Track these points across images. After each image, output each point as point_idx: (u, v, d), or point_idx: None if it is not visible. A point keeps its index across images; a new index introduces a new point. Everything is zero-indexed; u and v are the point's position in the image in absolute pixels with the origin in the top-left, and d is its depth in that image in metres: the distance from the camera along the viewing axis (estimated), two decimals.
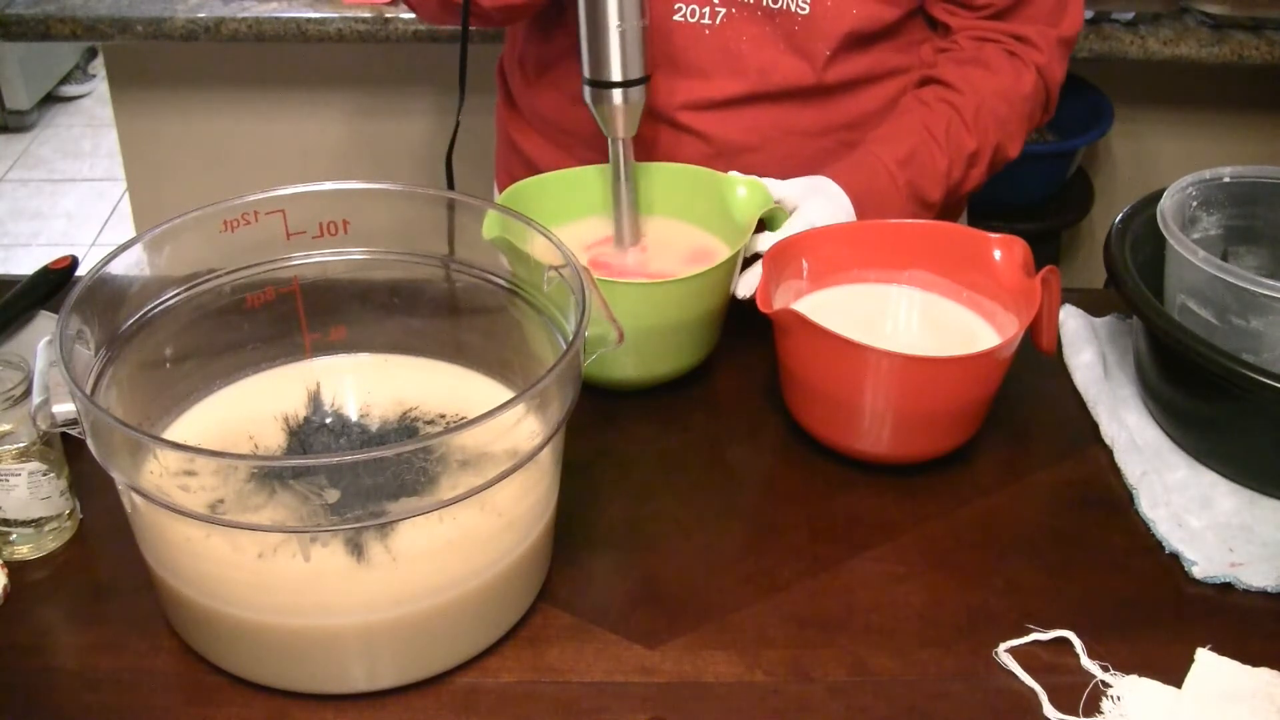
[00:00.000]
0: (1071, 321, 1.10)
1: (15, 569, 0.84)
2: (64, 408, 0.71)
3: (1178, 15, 2.00)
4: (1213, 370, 0.88)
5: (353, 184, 0.88)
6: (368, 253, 0.90)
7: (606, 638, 0.81)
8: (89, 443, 0.70)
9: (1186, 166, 1.03)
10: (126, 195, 2.41)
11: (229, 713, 0.76)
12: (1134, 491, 0.93)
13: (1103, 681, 0.78)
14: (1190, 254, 0.93)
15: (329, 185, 0.88)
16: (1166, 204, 0.98)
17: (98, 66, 3.95)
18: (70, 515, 0.87)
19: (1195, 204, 1.02)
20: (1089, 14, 1.93)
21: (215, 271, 0.87)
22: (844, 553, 0.88)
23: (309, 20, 1.91)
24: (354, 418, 0.88)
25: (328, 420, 0.87)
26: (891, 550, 0.88)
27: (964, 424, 0.94)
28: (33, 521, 0.85)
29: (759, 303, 0.91)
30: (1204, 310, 0.95)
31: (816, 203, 1.07)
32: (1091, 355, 1.06)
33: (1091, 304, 1.14)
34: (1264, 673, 0.79)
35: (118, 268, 0.81)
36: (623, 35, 0.99)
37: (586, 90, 1.03)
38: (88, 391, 0.72)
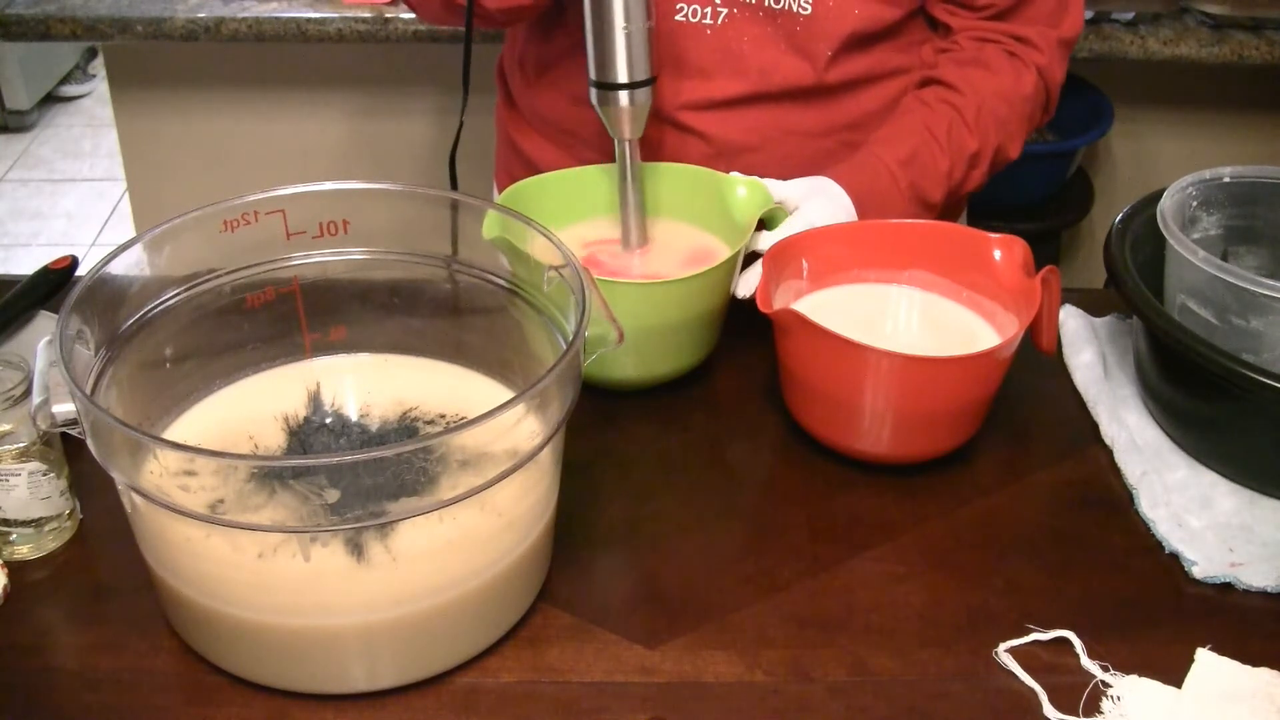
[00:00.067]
0: (1071, 321, 1.10)
1: (15, 569, 0.84)
2: (64, 408, 0.71)
3: (1178, 15, 2.00)
4: (1213, 370, 0.88)
5: (353, 184, 0.88)
6: (368, 253, 0.90)
7: (606, 638, 0.81)
8: (89, 443, 0.70)
9: (1186, 166, 1.03)
10: (126, 195, 2.41)
11: (229, 713, 0.76)
12: (1134, 491, 0.93)
13: (1103, 681, 0.78)
14: (1190, 254, 0.93)
15: (329, 185, 0.88)
16: (1166, 204, 0.98)
17: (98, 66, 3.95)
18: (70, 515, 0.87)
19: (1195, 204, 1.02)
20: (1089, 14, 1.93)
21: (215, 271, 0.87)
22: (844, 553, 0.88)
23: (309, 20, 1.91)
24: (354, 418, 0.88)
25: (328, 420, 0.87)
26: (891, 550, 0.88)
27: (964, 424, 0.94)
28: (33, 521, 0.85)
29: (759, 303, 0.91)
30: (1204, 310, 0.95)
31: (817, 203, 1.07)
32: (1091, 355, 1.06)
33: (1091, 304, 1.14)
34: (1264, 673, 0.79)
35: (118, 268, 0.81)
36: (629, 37, 0.99)
37: (593, 92, 1.03)
38: (88, 391, 0.72)
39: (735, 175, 1.07)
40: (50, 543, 0.86)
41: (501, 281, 0.89)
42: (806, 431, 0.97)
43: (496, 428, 0.71)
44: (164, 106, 2.18)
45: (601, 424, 1.00)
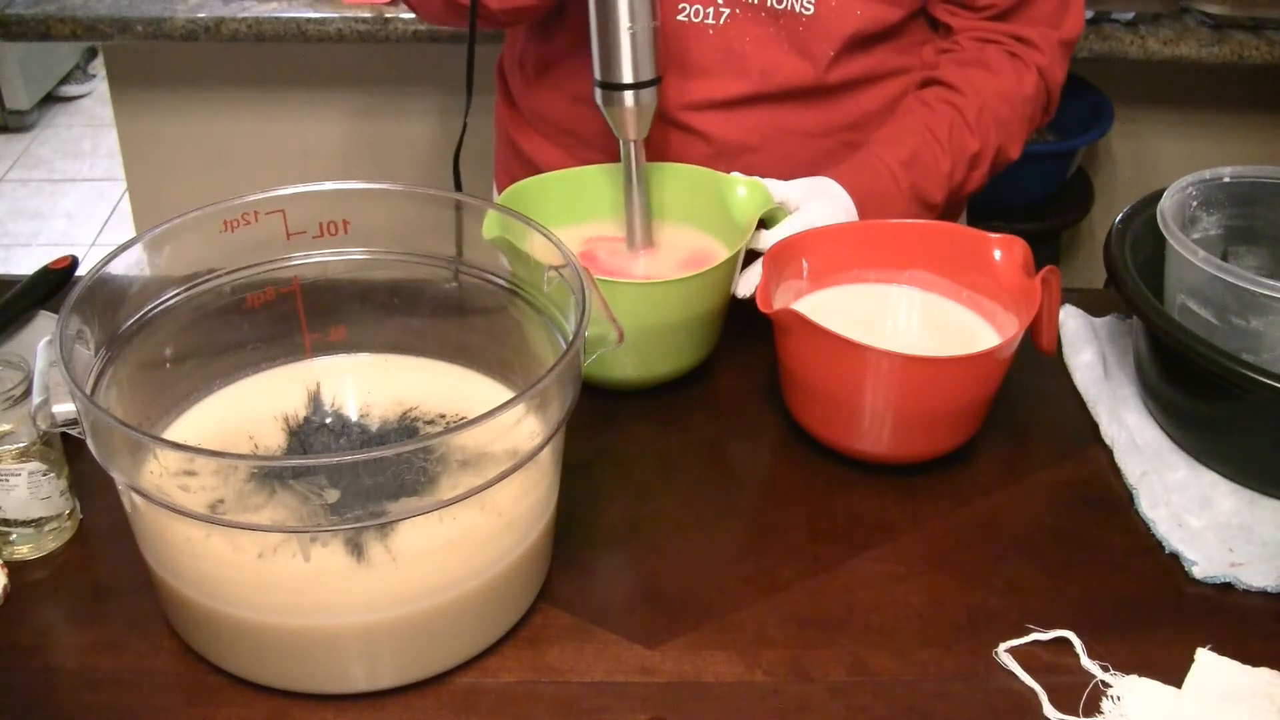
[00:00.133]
0: (1071, 321, 1.10)
1: (15, 569, 0.84)
2: (64, 408, 0.71)
3: (1178, 15, 2.00)
4: (1213, 370, 0.88)
5: (353, 184, 0.88)
6: (368, 253, 0.90)
7: (606, 638, 0.81)
8: (89, 443, 0.70)
9: (1186, 166, 1.03)
10: (126, 195, 2.41)
11: (229, 713, 0.76)
12: (1134, 491, 0.93)
13: (1103, 681, 0.78)
14: (1190, 254, 0.93)
15: (329, 185, 0.88)
16: (1166, 204, 0.98)
17: (98, 66, 3.95)
18: (70, 515, 0.87)
19: (1195, 204, 1.02)
20: (1089, 14, 1.93)
21: (215, 271, 0.87)
22: (844, 553, 0.88)
23: (309, 20, 1.91)
24: (354, 418, 0.88)
25: (328, 420, 0.87)
26: (891, 550, 0.88)
27: (964, 424, 0.94)
28: (33, 521, 0.85)
29: (759, 303, 0.91)
30: (1204, 310, 0.95)
31: (818, 204, 1.07)
32: (1091, 355, 1.06)
33: (1091, 304, 1.14)
34: (1264, 673, 0.79)
35: (118, 268, 0.81)
36: (634, 37, 0.99)
37: (597, 92, 1.02)
38: (88, 391, 0.72)
39: (736, 175, 1.07)
40: (50, 543, 0.86)
41: (501, 281, 0.89)
42: (806, 431, 0.97)
43: (496, 428, 0.71)
44: (164, 106, 2.18)
45: (601, 424, 0.99)
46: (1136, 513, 0.92)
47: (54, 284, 1.07)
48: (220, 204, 0.85)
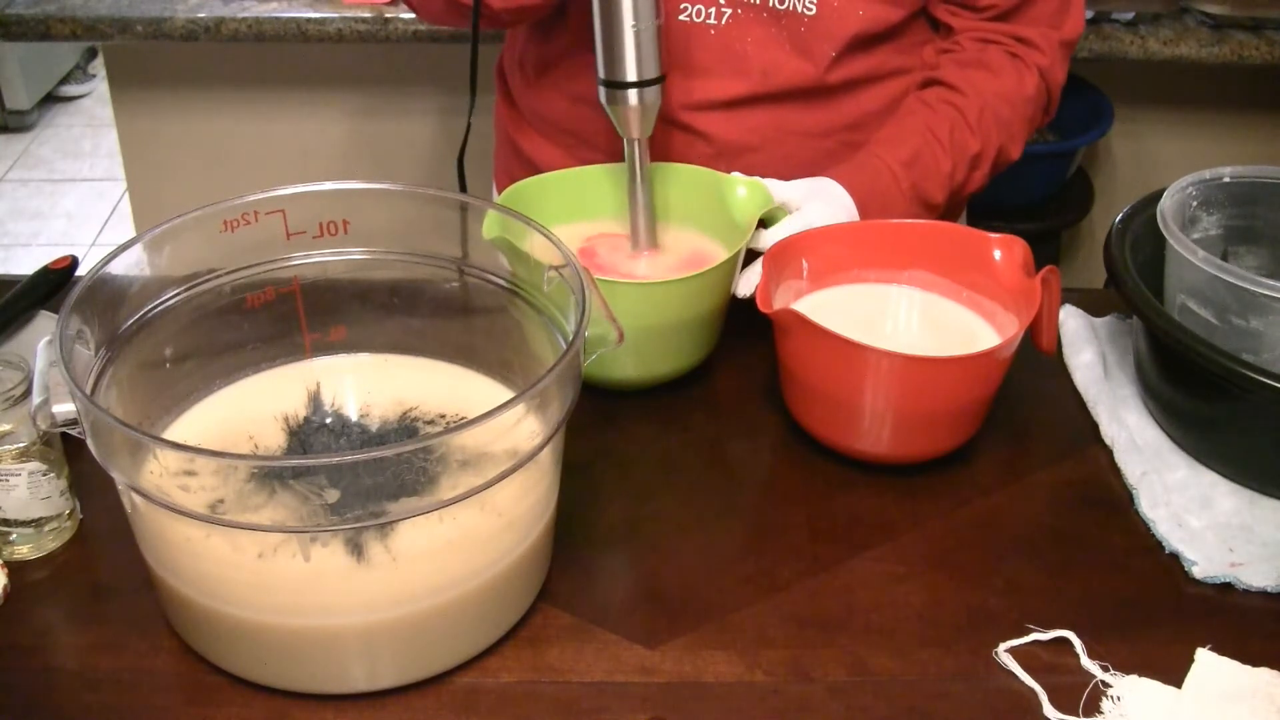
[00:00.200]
0: (1071, 321, 1.10)
1: (15, 569, 0.84)
2: (64, 408, 0.71)
3: (1178, 15, 2.00)
4: (1213, 370, 0.88)
5: (353, 184, 0.88)
6: (368, 253, 0.90)
7: (606, 638, 0.81)
8: (89, 443, 0.70)
9: (1186, 166, 1.03)
10: (126, 195, 2.41)
11: (229, 713, 0.76)
12: (1134, 491, 0.93)
13: (1103, 681, 0.78)
14: (1190, 254, 0.93)
15: (329, 185, 0.88)
16: (1166, 204, 0.98)
17: (98, 66, 3.95)
18: (70, 515, 0.87)
19: (1195, 204, 1.02)
20: (1089, 14, 1.93)
21: (215, 271, 0.87)
22: (844, 553, 0.88)
23: (309, 20, 1.91)
24: (354, 418, 0.88)
25: (328, 420, 0.87)
26: (891, 550, 0.88)
27: (964, 424, 0.94)
28: (33, 521, 0.85)
29: (759, 303, 0.91)
30: (1204, 310, 0.95)
31: (819, 205, 1.07)
32: (1091, 355, 1.06)
33: (1091, 304, 1.14)
34: (1264, 673, 0.79)
35: (118, 268, 0.81)
36: (638, 35, 0.99)
37: (601, 91, 1.02)
38: (88, 391, 0.72)
39: (736, 175, 1.07)
40: (50, 543, 0.86)
41: (502, 281, 0.89)
42: (806, 431, 0.97)
43: (496, 428, 0.71)
44: (164, 106, 2.18)
45: (601, 424, 0.99)
46: (1136, 513, 0.92)
47: (54, 284, 1.07)
48: (220, 204, 0.85)
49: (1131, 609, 0.84)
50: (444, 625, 0.76)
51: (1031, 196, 2.19)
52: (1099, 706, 0.77)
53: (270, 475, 0.76)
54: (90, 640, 0.80)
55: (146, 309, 0.84)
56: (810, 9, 1.10)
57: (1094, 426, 1.00)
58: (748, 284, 1.01)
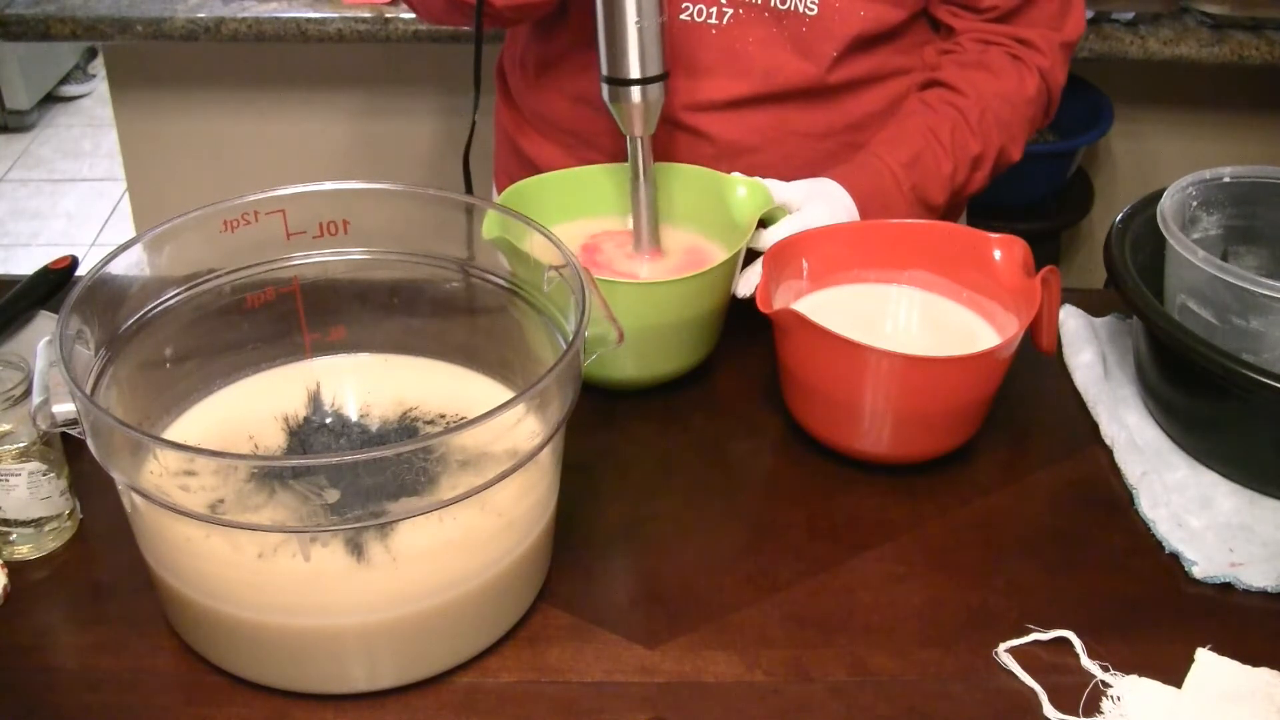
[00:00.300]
0: (1071, 321, 1.10)
1: (15, 569, 0.84)
2: (64, 408, 0.71)
3: (1178, 15, 2.00)
4: (1213, 370, 0.88)
5: (353, 184, 0.88)
6: (368, 253, 0.90)
7: (606, 638, 0.81)
8: (89, 443, 0.70)
9: (1186, 166, 1.03)
10: (126, 195, 2.41)
11: (229, 713, 0.76)
12: (1134, 491, 0.93)
13: (1103, 681, 0.78)
14: (1190, 254, 0.93)
15: (329, 185, 0.88)
16: (1166, 204, 0.98)
17: (98, 66, 3.95)
18: (70, 515, 0.87)
19: (1195, 204, 1.02)
20: (1089, 14, 1.93)
21: (215, 271, 0.87)
22: (844, 553, 0.88)
23: (309, 20, 1.91)
24: (354, 418, 0.88)
25: (328, 420, 0.87)
26: (891, 550, 0.88)
27: (964, 424, 0.94)
28: (33, 521, 0.85)
29: (759, 303, 0.91)
30: (1204, 310, 0.95)
31: (819, 205, 1.07)
32: (1091, 355, 1.06)
33: (1091, 304, 1.14)
34: (1264, 673, 0.79)
35: (118, 268, 0.81)
36: (641, 32, 0.98)
37: (604, 88, 1.01)
38: (88, 391, 0.72)
39: (736, 175, 1.07)
40: (50, 543, 0.86)
41: (502, 281, 0.89)
42: (806, 431, 0.97)
43: (496, 428, 0.71)
44: (164, 106, 2.18)
45: (601, 424, 1.00)
46: (1136, 513, 0.92)
47: (54, 284, 1.07)
48: (220, 204, 0.85)
49: (1131, 609, 0.84)
50: (444, 625, 0.76)
51: (1031, 196, 2.19)
52: (1099, 706, 0.77)
53: (270, 475, 0.76)
54: (90, 640, 0.80)
55: (146, 309, 0.84)
56: (812, 9, 1.10)
57: (1094, 426, 1.00)
58: (748, 284, 1.01)
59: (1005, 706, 0.77)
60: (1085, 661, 0.79)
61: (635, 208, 1.04)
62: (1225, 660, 0.79)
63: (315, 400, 0.88)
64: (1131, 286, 0.94)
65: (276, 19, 1.91)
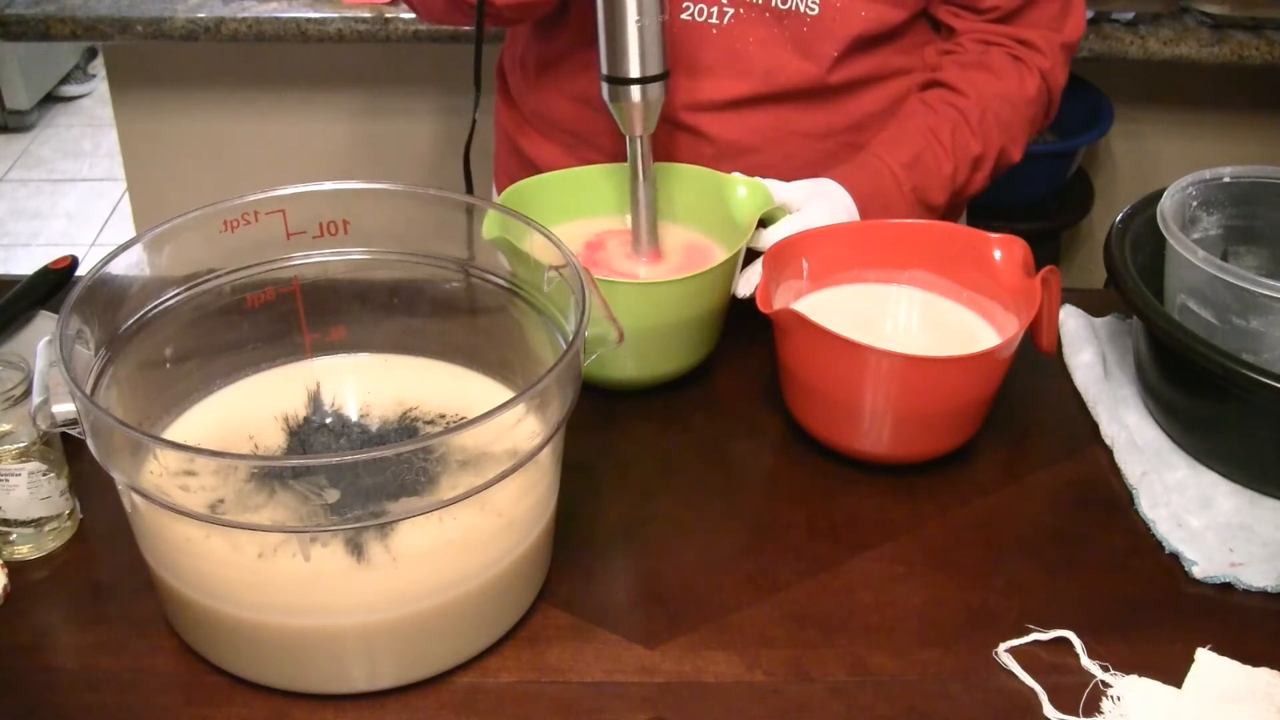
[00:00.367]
0: (1071, 321, 1.10)
1: (15, 569, 0.84)
2: (64, 408, 0.71)
3: (1178, 15, 2.00)
4: (1213, 370, 0.88)
5: (353, 184, 0.88)
6: (368, 253, 0.90)
7: (606, 638, 0.81)
8: (89, 443, 0.70)
9: (1186, 166, 1.03)
10: (126, 195, 2.41)
11: (229, 713, 0.76)
12: (1134, 491, 0.93)
13: (1103, 681, 0.78)
14: (1190, 254, 0.93)
15: (329, 185, 0.88)
16: (1166, 204, 0.98)
17: (98, 66, 3.95)
18: (70, 515, 0.87)
19: (1195, 204, 1.02)
20: (1089, 15, 1.93)
21: (215, 271, 0.87)
22: (844, 553, 0.88)
23: (309, 20, 1.91)
24: (354, 418, 0.88)
25: (328, 420, 0.87)
26: (891, 550, 0.88)
27: (964, 424, 0.94)
28: (33, 521, 0.85)
29: (759, 303, 0.91)
30: (1204, 310, 0.95)
31: (819, 206, 1.07)
32: (1091, 355, 1.06)
33: (1091, 304, 1.14)
34: (1264, 673, 0.79)
35: (118, 268, 0.81)
36: (641, 31, 0.98)
37: (604, 87, 1.01)
38: (88, 391, 0.72)
39: (736, 175, 1.07)
40: (50, 543, 0.86)
41: (502, 281, 0.89)
42: (806, 431, 0.97)
43: (496, 428, 0.71)
44: (164, 106, 2.18)
45: (601, 424, 1.00)
46: (1136, 513, 0.92)
47: (54, 284, 1.07)
48: (220, 204, 0.85)
49: (1131, 609, 0.84)
50: (444, 625, 0.76)
51: (1031, 196, 2.19)
52: (1099, 706, 0.77)
53: (270, 475, 0.76)
54: (90, 640, 0.80)
55: (146, 309, 0.84)
56: (813, 9, 1.10)
57: (1094, 426, 1.00)
58: (748, 284, 1.01)
59: (1005, 706, 0.77)
60: (1085, 661, 0.79)
61: (634, 208, 1.04)
62: (1225, 660, 0.79)
63: (315, 400, 0.88)
64: (1131, 286, 0.95)
65: (276, 19, 1.91)
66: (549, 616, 0.82)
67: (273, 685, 0.76)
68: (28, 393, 0.81)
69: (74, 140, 3.78)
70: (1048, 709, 0.76)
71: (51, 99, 3.93)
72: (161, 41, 1.94)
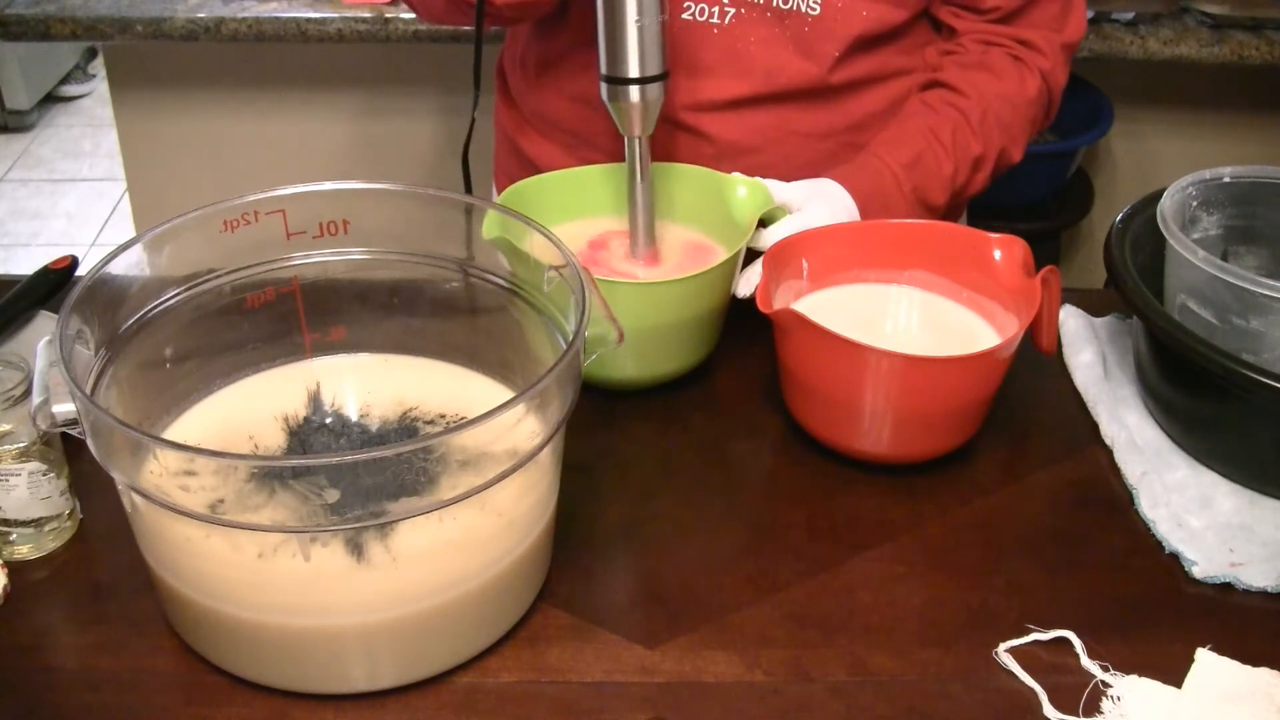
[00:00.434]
0: (1071, 321, 1.10)
1: (15, 569, 0.84)
2: (64, 408, 0.71)
3: (1178, 15, 2.00)
4: (1213, 370, 0.88)
5: (353, 184, 0.88)
6: (368, 253, 0.90)
7: (606, 638, 0.81)
8: (89, 443, 0.70)
9: (1186, 166, 1.03)
10: (126, 195, 2.41)
11: (229, 713, 0.76)
12: (1134, 491, 0.93)
13: (1103, 681, 0.78)
14: (1190, 254, 0.93)
15: (329, 185, 0.88)
16: (1166, 204, 0.98)
17: (98, 66, 3.95)
18: (70, 515, 0.87)
19: (1195, 204, 1.02)
20: (1089, 15, 1.93)
21: (215, 271, 0.87)
22: (844, 553, 0.88)
23: (309, 20, 1.91)
24: (354, 418, 0.88)
25: (328, 420, 0.87)
26: (891, 550, 0.88)
27: (964, 424, 0.94)
28: (33, 521, 0.85)
29: (759, 303, 0.91)
30: (1204, 310, 0.95)
31: (819, 206, 1.07)
32: (1091, 355, 1.06)
33: (1091, 304, 1.14)
34: (1264, 673, 0.79)
35: (118, 268, 0.81)
36: (641, 31, 0.98)
37: (603, 87, 1.01)
38: (88, 391, 0.72)
39: (736, 175, 1.07)
40: (50, 543, 0.86)
41: (501, 281, 0.89)
42: (806, 431, 0.97)
43: (496, 428, 0.71)
44: (164, 106, 2.18)
45: (601, 424, 1.00)
46: (1136, 513, 0.92)
47: (54, 284, 1.07)
48: (220, 204, 0.85)
49: (1131, 609, 0.84)
50: (444, 625, 0.76)
51: (1031, 196, 2.19)
52: (1099, 706, 0.77)
53: (270, 475, 0.76)
54: (90, 640, 0.80)
55: (146, 309, 0.84)
56: (814, 9, 1.10)
57: (1094, 426, 1.00)
58: (748, 284, 1.01)
59: (1005, 706, 0.77)
60: (1085, 661, 0.79)
61: (632, 208, 1.04)
62: (1225, 660, 0.79)
63: (315, 400, 0.88)
64: (1131, 286, 0.95)
65: (276, 19, 1.91)
66: (549, 616, 0.82)
67: (273, 685, 0.76)
68: (28, 393, 0.81)
69: (74, 140, 3.78)
70: (1048, 709, 0.76)
71: (51, 99, 3.93)
72: (161, 41, 1.94)
